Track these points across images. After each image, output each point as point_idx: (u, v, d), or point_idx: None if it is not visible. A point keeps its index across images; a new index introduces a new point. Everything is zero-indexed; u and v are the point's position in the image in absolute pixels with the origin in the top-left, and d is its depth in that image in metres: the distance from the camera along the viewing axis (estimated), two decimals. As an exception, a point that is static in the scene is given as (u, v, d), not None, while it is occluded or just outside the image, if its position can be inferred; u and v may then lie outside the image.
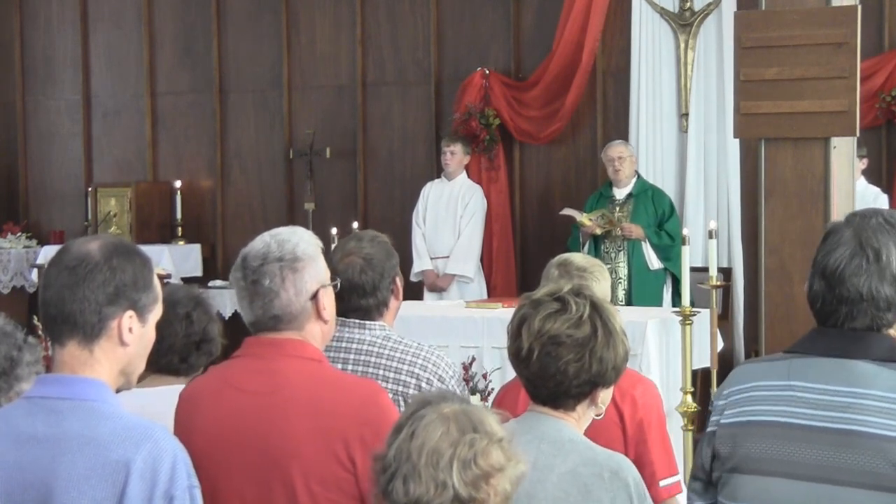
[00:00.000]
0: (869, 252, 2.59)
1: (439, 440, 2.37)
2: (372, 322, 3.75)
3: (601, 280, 4.04)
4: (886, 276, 2.59)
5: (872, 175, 8.94)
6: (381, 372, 3.67)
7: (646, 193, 9.05)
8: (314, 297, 3.12)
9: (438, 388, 3.65)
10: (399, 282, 3.85)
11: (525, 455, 2.86)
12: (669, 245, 8.85)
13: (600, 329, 2.90)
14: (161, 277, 2.73)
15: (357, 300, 3.72)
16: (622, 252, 8.93)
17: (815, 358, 2.65)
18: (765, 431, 2.65)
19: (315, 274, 3.13)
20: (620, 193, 9.09)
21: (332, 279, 3.24)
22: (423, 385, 3.65)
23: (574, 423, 2.96)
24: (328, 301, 3.17)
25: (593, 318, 2.90)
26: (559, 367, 2.88)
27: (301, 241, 3.15)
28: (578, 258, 4.14)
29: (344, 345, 3.70)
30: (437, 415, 2.41)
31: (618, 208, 9.05)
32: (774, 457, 2.63)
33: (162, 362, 3.65)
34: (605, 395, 2.99)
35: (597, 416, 3.03)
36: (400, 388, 3.64)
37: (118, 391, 2.63)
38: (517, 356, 2.94)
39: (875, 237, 2.60)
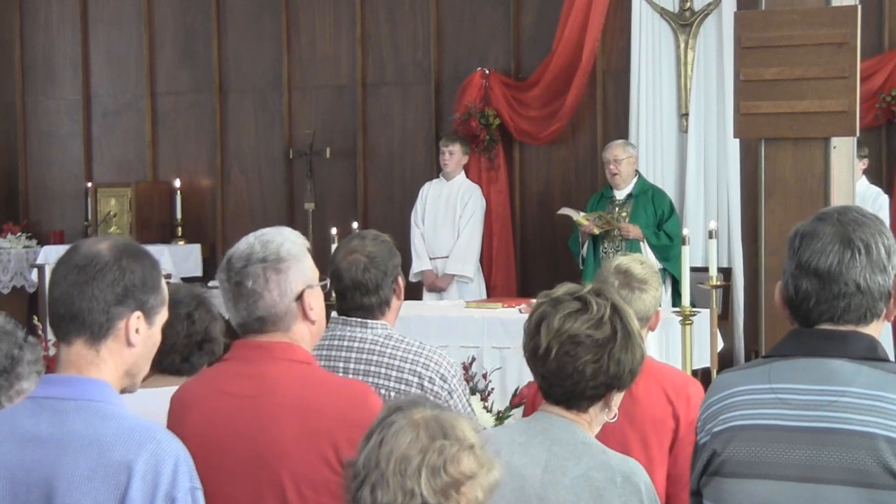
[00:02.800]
0: (859, 245, 2.63)
1: (408, 447, 2.33)
2: (374, 321, 3.74)
3: (657, 288, 4.02)
4: (877, 266, 2.64)
5: (873, 175, 8.94)
6: (383, 370, 3.66)
7: (646, 194, 9.05)
8: (300, 297, 3.10)
9: (441, 386, 3.65)
10: (401, 281, 3.84)
11: (537, 456, 2.85)
12: (668, 245, 8.85)
13: (620, 331, 2.88)
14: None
15: (360, 298, 3.72)
16: (620, 252, 8.92)
17: (795, 360, 2.67)
18: (748, 435, 2.66)
19: (300, 274, 3.11)
20: (621, 194, 9.09)
21: (322, 279, 3.22)
22: (426, 384, 3.64)
23: (586, 425, 2.93)
24: (315, 301, 3.13)
25: (613, 320, 2.88)
26: (577, 367, 2.86)
27: (286, 241, 3.12)
28: (637, 268, 4.03)
29: (346, 343, 3.70)
30: (407, 421, 2.37)
31: (617, 208, 9.05)
32: (758, 459, 2.64)
33: (164, 362, 3.64)
34: (617, 399, 2.96)
35: (609, 419, 3.00)
36: (402, 387, 3.63)
37: (122, 393, 2.63)
38: (534, 354, 2.91)
39: (860, 230, 2.65)
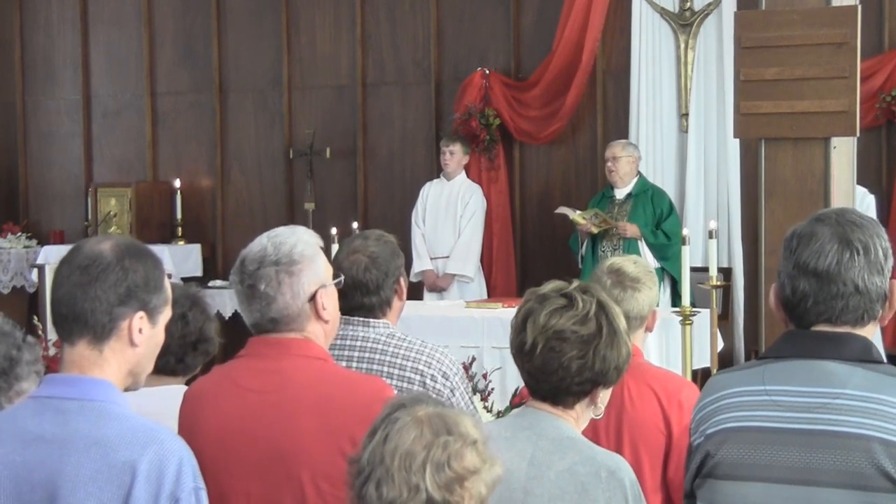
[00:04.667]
0: (858, 246, 2.63)
1: (412, 443, 2.36)
2: (376, 320, 3.76)
3: (652, 287, 4.00)
4: (875, 267, 2.64)
5: (872, 175, 8.94)
6: (385, 369, 3.68)
7: (645, 193, 9.06)
8: (313, 298, 3.11)
9: (443, 384, 3.67)
10: (403, 282, 3.85)
11: (523, 451, 2.87)
12: (665, 244, 8.86)
13: (605, 327, 2.90)
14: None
15: (360, 298, 3.73)
16: (618, 251, 8.93)
17: (789, 361, 2.67)
18: (741, 437, 2.66)
19: (313, 275, 3.12)
20: (621, 193, 9.10)
21: (335, 277, 3.22)
22: (428, 381, 3.65)
23: (573, 421, 2.95)
24: (328, 301, 3.15)
25: (599, 316, 2.91)
26: (562, 363, 2.88)
27: (299, 241, 3.13)
28: (630, 267, 4.02)
29: (348, 343, 3.71)
30: (411, 418, 2.39)
31: (617, 208, 9.06)
32: (751, 462, 2.64)
33: (159, 363, 3.63)
34: (604, 396, 2.98)
35: (595, 416, 3.02)
36: (405, 385, 3.65)
37: (125, 391, 2.63)
38: (520, 350, 2.94)
39: (859, 232, 2.65)
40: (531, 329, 2.91)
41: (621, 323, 2.95)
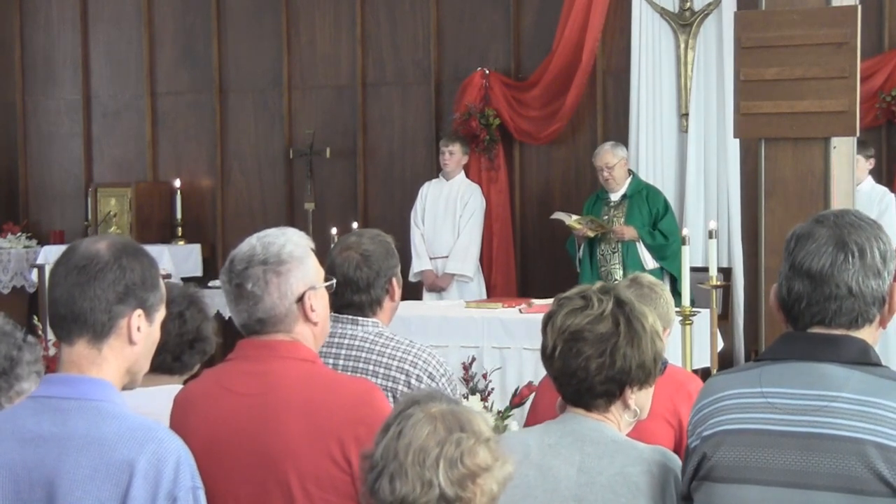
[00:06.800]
0: (853, 248, 2.61)
1: (426, 439, 2.38)
2: (365, 319, 3.75)
3: (662, 305, 4.02)
4: (871, 270, 2.62)
5: (872, 175, 8.94)
6: (371, 368, 3.67)
7: (640, 194, 9.03)
8: (301, 299, 3.08)
9: (428, 384, 3.66)
10: (396, 283, 3.83)
11: (570, 458, 2.85)
12: (663, 244, 8.84)
13: (623, 325, 2.86)
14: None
15: (350, 295, 3.72)
16: (616, 254, 8.92)
17: (786, 363, 2.66)
18: (737, 439, 2.65)
19: (302, 276, 3.09)
20: (615, 195, 9.08)
21: (328, 279, 3.21)
22: (413, 382, 3.65)
23: (615, 426, 2.92)
24: (317, 303, 3.12)
25: (615, 315, 2.87)
26: (580, 363, 2.85)
27: (288, 242, 3.11)
28: (648, 277, 4.16)
29: (336, 340, 3.70)
30: (425, 414, 2.42)
31: (612, 210, 9.04)
32: (747, 464, 2.63)
33: (155, 361, 3.63)
34: (639, 397, 2.93)
35: (642, 417, 2.98)
36: (390, 385, 3.64)
37: (123, 389, 2.64)
38: (544, 354, 2.93)
39: (856, 234, 2.63)
40: (550, 332, 2.90)
41: (646, 322, 2.90)
